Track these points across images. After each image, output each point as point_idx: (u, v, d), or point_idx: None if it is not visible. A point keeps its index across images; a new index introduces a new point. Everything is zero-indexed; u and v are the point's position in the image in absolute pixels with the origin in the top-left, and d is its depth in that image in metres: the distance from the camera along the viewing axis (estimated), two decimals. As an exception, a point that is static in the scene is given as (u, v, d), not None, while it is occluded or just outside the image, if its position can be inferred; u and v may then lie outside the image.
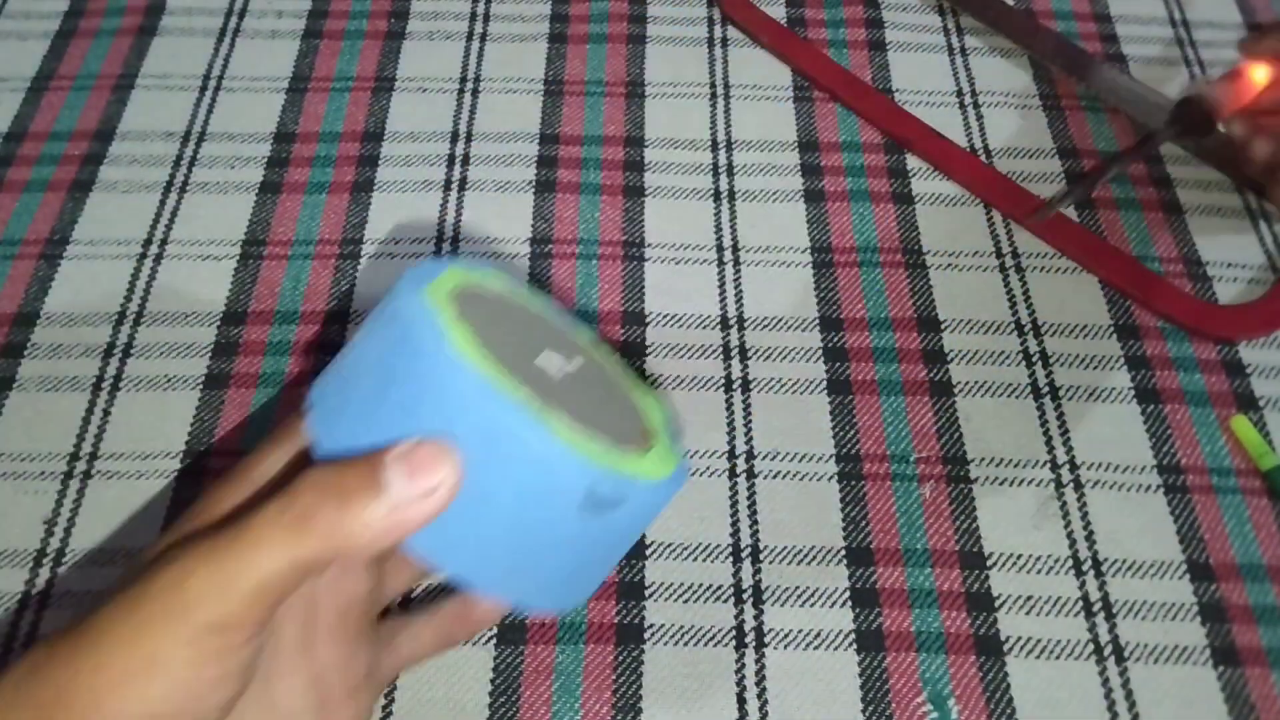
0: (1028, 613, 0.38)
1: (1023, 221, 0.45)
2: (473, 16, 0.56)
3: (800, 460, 0.41)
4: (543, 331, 0.28)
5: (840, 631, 0.37)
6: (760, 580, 0.38)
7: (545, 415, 0.23)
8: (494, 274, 0.29)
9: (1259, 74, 0.42)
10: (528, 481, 0.22)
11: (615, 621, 0.37)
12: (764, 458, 0.41)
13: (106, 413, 0.42)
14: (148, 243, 0.47)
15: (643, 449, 0.26)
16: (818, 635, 0.37)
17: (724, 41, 0.55)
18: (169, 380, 0.43)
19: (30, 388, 0.42)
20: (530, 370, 0.25)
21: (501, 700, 0.36)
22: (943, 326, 0.45)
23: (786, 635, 0.37)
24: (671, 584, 0.38)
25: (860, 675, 0.36)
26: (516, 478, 0.22)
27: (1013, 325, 0.45)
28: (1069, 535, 0.39)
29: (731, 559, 0.39)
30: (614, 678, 0.36)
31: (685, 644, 0.37)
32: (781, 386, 0.43)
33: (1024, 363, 0.44)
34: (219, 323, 0.44)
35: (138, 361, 0.43)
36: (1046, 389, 0.43)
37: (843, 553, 0.39)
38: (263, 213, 0.48)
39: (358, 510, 0.21)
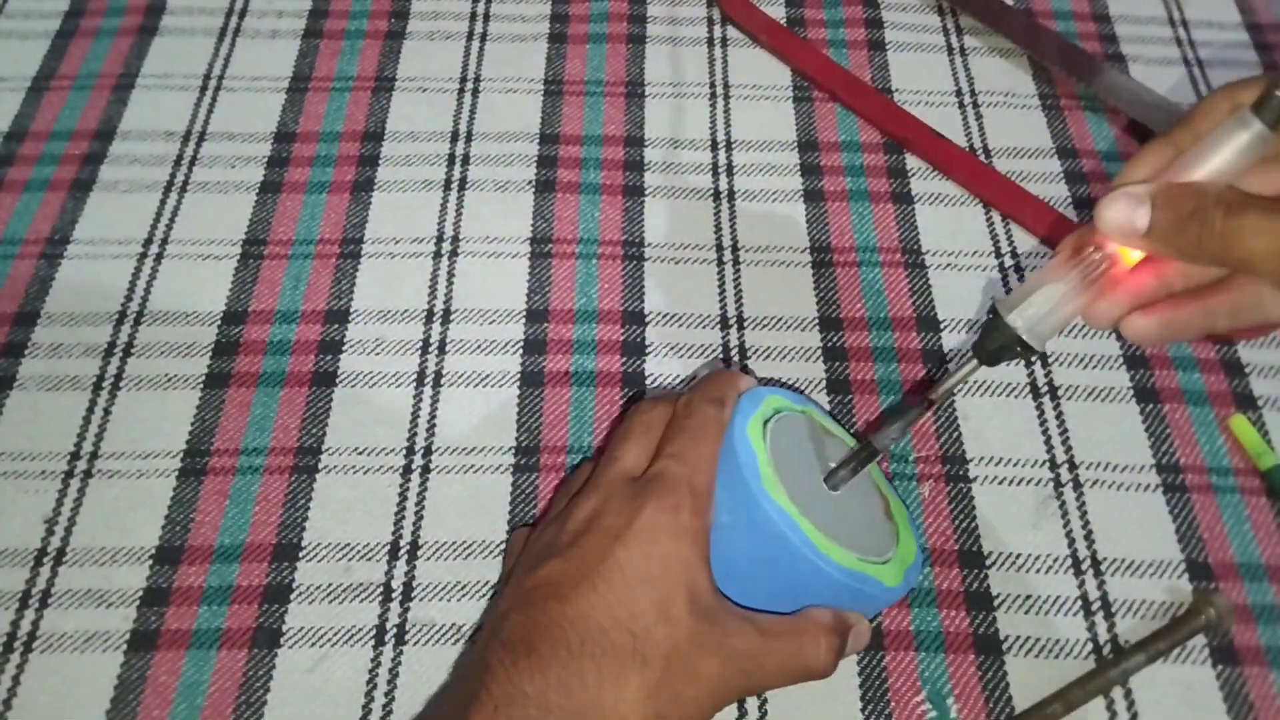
0: (1027, 612, 0.38)
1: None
2: (473, 16, 0.56)
3: (800, 460, 0.41)
4: (830, 445, 0.36)
5: (839, 630, 0.37)
6: (760, 579, 0.38)
7: (824, 544, 0.32)
8: (794, 398, 0.38)
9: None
10: (807, 575, 0.32)
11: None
12: (763, 457, 0.41)
13: (107, 412, 0.42)
14: (148, 242, 0.47)
15: (885, 556, 0.34)
16: (817, 634, 0.37)
17: (724, 41, 0.55)
18: (169, 380, 0.43)
19: (31, 387, 0.42)
20: (817, 485, 0.34)
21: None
22: (942, 326, 0.45)
23: (786, 634, 0.37)
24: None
25: (860, 674, 0.36)
26: (801, 572, 0.32)
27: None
28: (1068, 534, 0.39)
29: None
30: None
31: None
32: (783, 387, 0.43)
33: (1023, 362, 0.44)
34: (219, 322, 0.44)
35: (138, 361, 0.43)
36: (1045, 388, 0.43)
37: (842, 552, 0.39)
38: (263, 212, 0.48)
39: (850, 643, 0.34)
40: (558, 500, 0.37)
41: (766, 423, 0.35)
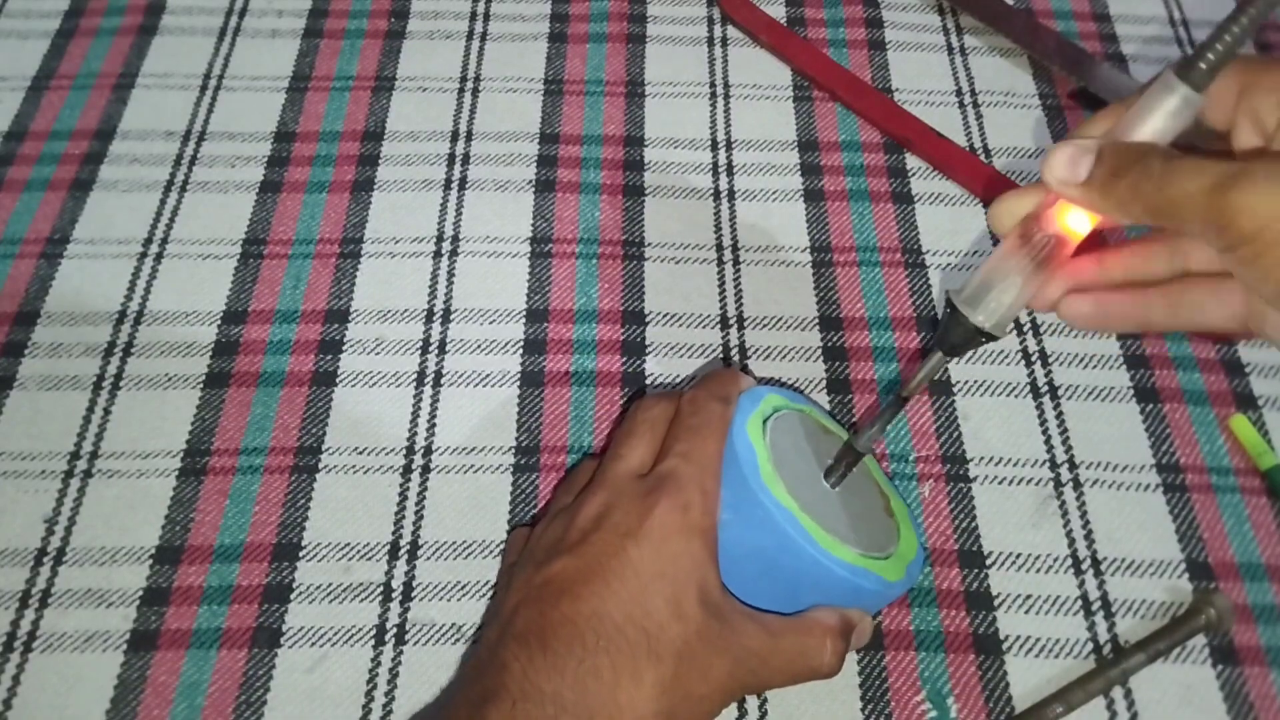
0: (1027, 611, 0.38)
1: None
2: (473, 16, 0.56)
3: (800, 459, 0.41)
4: (829, 443, 0.36)
5: (839, 630, 0.37)
6: (760, 579, 0.38)
7: (825, 540, 0.32)
8: (792, 396, 0.38)
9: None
10: (808, 571, 0.33)
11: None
12: (763, 457, 0.41)
13: (107, 412, 0.42)
14: (148, 242, 0.47)
15: (886, 552, 0.34)
16: (817, 634, 0.37)
17: (724, 41, 0.55)
18: (169, 379, 0.43)
19: (31, 387, 0.42)
20: (817, 482, 0.34)
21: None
22: (942, 326, 0.45)
23: (786, 634, 0.37)
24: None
25: (860, 674, 0.36)
26: (802, 568, 0.33)
27: (1012, 324, 0.45)
28: (1068, 534, 0.39)
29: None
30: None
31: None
32: (781, 386, 0.43)
33: (1023, 362, 0.44)
34: (219, 322, 0.44)
35: (138, 360, 0.43)
36: (1045, 388, 0.43)
37: (842, 552, 0.39)
38: (263, 212, 0.48)
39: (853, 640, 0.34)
40: (559, 497, 0.37)
41: (766, 421, 0.35)
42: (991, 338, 0.30)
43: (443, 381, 0.43)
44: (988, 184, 0.49)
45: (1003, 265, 0.29)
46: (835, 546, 0.32)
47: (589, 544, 0.31)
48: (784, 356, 0.44)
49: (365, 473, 0.40)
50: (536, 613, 0.30)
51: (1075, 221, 0.28)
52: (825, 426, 0.37)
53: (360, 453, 0.41)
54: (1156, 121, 0.27)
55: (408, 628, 0.37)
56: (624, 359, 0.44)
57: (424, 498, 0.40)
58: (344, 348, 0.44)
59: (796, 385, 0.43)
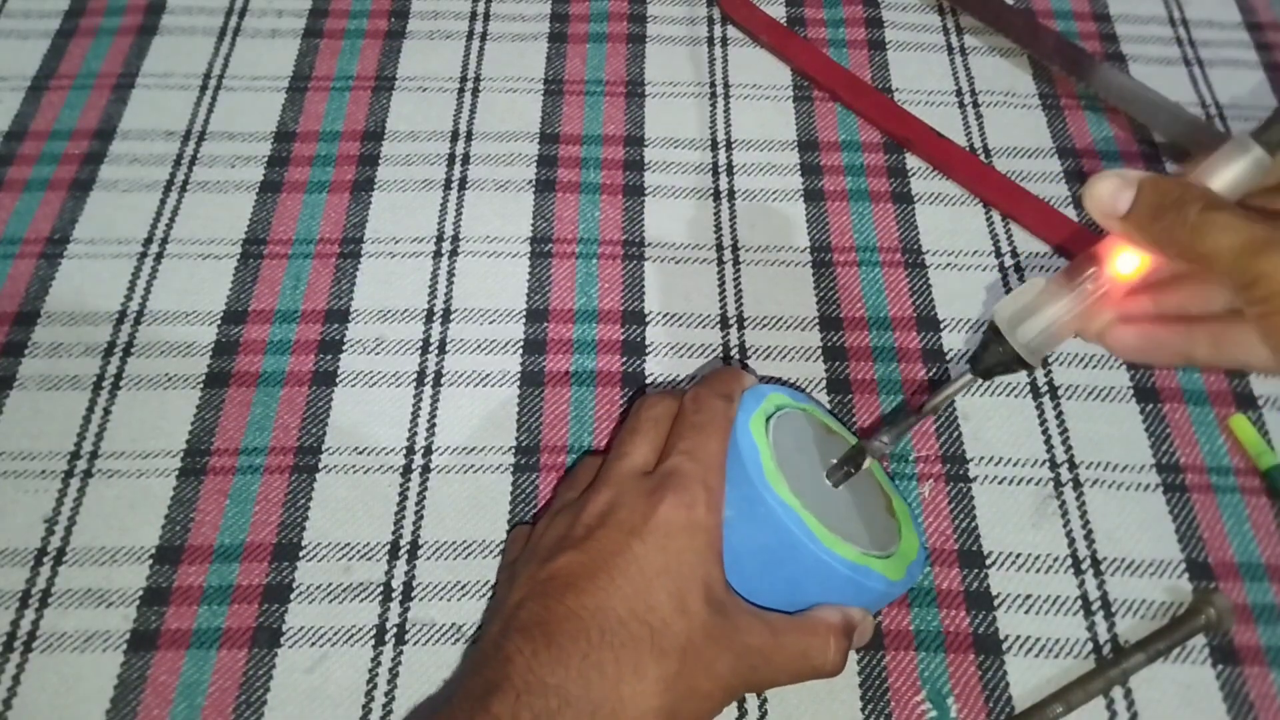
0: (1027, 611, 0.38)
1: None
2: (473, 16, 0.56)
3: (800, 459, 0.41)
4: (831, 442, 0.36)
5: (839, 630, 0.37)
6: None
7: (827, 538, 0.32)
8: (795, 395, 0.38)
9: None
10: (810, 568, 0.33)
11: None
12: (763, 457, 0.41)
13: (107, 411, 0.42)
14: (148, 242, 0.47)
15: (888, 551, 0.34)
16: (817, 634, 0.37)
17: (723, 41, 0.55)
18: (169, 379, 0.43)
19: (31, 386, 0.42)
20: (819, 481, 0.34)
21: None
22: (942, 326, 0.45)
23: (786, 634, 0.37)
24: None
25: (860, 674, 0.36)
26: (804, 566, 0.33)
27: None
28: (1068, 534, 0.39)
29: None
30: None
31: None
32: (784, 385, 0.43)
33: (1023, 362, 0.44)
34: (219, 322, 0.44)
35: (138, 360, 0.43)
36: (1045, 388, 0.43)
37: (842, 552, 0.39)
38: (263, 212, 0.48)
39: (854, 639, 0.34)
40: (561, 494, 0.38)
41: (769, 419, 0.35)
42: (1027, 367, 0.30)
43: (443, 381, 0.43)
44: (988, 185, 0.49)
45: (1051, 299, 0.30)
46: (838, 545, 0.32)
47: (594, 540, 0.31)
48: (784, 356, 0.44)
49: (365, 473, 0.40)
50: (541, 606, 0.31)
51: (1126, 265, 0.29)
52: (828, 425, 0.37)
53: (360, 453, 0.41)
54: (1223, 180, 0.27)
55: (408, 628, 0.37)
56: (624, 359, 0.44)
57: (424, 498, 0.40)
58: (344, 348, 0.44)
59: (797, 385, 0.43)
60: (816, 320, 0.45)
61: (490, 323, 0.45)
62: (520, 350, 0.44)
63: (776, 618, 0.32)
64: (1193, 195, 0.26)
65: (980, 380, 0.31)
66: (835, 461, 0.35)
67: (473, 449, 0.41)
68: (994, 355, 0.30)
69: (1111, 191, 0.27)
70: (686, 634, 0.30)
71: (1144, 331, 0.30)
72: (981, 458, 0.41)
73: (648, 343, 0.44)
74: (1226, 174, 0.27)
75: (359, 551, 0.39)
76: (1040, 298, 0.30)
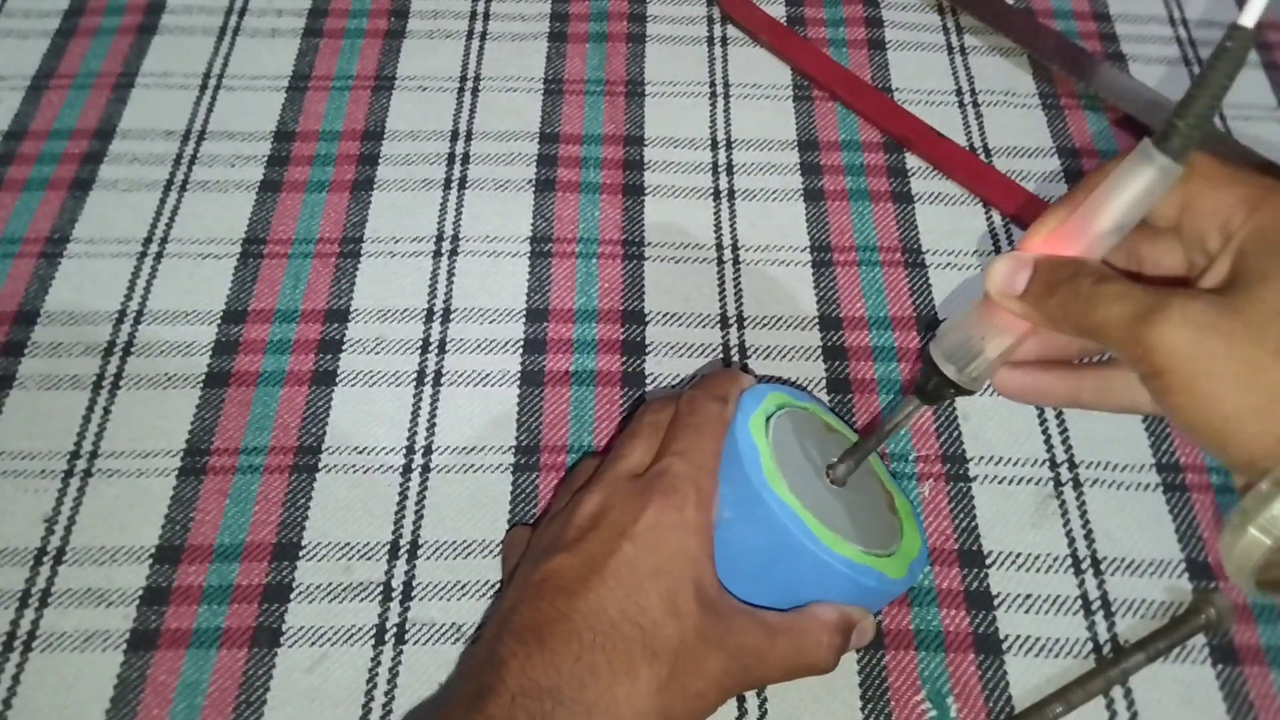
0: (1026, 611, 0.38)
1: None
2: (473, 15, 0.56)
3: (800, 459, 0.41)
4: (832, 440, 0.36)
5: (839, 630, 0.37)
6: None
7: (827, 537, 0.32)
8: (796, 394, 0.38)
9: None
10: (809, 568, 0.33)
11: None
12: (763, 457, 0.41)
13: (107, 411, 0.42)
14: (148, 241, 0.47)
15: (889, 550, 0.34)
16: (817, 634, 0.37)
17: (724, 40, 0.55)
18: (169, 379, 0.43)
19: (31, 386, 0.42)
20: (819, 479, 0.34)
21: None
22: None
23: (786, 634, 0.37)
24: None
25: (859, 673, 0.36)
26: (804, 566, 0.33)
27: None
28: (1068, 534, 0.39)
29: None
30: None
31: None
32: (784, 384, 0.43)
33: (1023, 362, 0.44)
34: (219, 321, 0.44)
35: (138, 360, 0.43)
36: (1046, 388, 0.43)
37: (842, 551, 0.39)
38: (263, 211, 0.48)
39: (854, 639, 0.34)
40: (560, 496, 0.38)
41: (769, 419, 0.35)
42: (964, 392, 0.30)
43: (443, 381, 0.43)
44: (988, 184, 0.49)
45: (974, 322, 0.29)
46: (837, 544, 0.32)
47: (586, 542, 0.32)
48: (784, 356, 0.44)
49: (365, 473, 0.40)
50: (533, 609, 0.31)
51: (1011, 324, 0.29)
52: (829, 424, 0.37)
53: (360, 452, 0.41)
54: (1130, 196, 0.26)
55: (408, 627, 0.37)
56: (624, 359, 0.44)
57: (424, 497, 0.40)
58: (344, 347, 0.44)
59: (797, 385, 0.43)
60: (816, 320, 0.45)
61: (490, 322, 0.45)
62: (520, 350, 0.44)
63: (771, 615, 0.32)
64: (1086, 270, 0.26)
65: (927, 405, 0.31)
66: (835, 460, 0.35)
67: (473, 449, 0.41)
68: (929, 380, 0.30)
69: (1008, 272, 0.28)
70: (679, 634, 0.30)
71: (1029, 375, 0.31)
72: (981, 457, 0.41)
73: (648, 342, 0.44)
74: (1132, 190, 0.26)
75: (359, 551, 0.39)
76: (966, 320, 0.30)
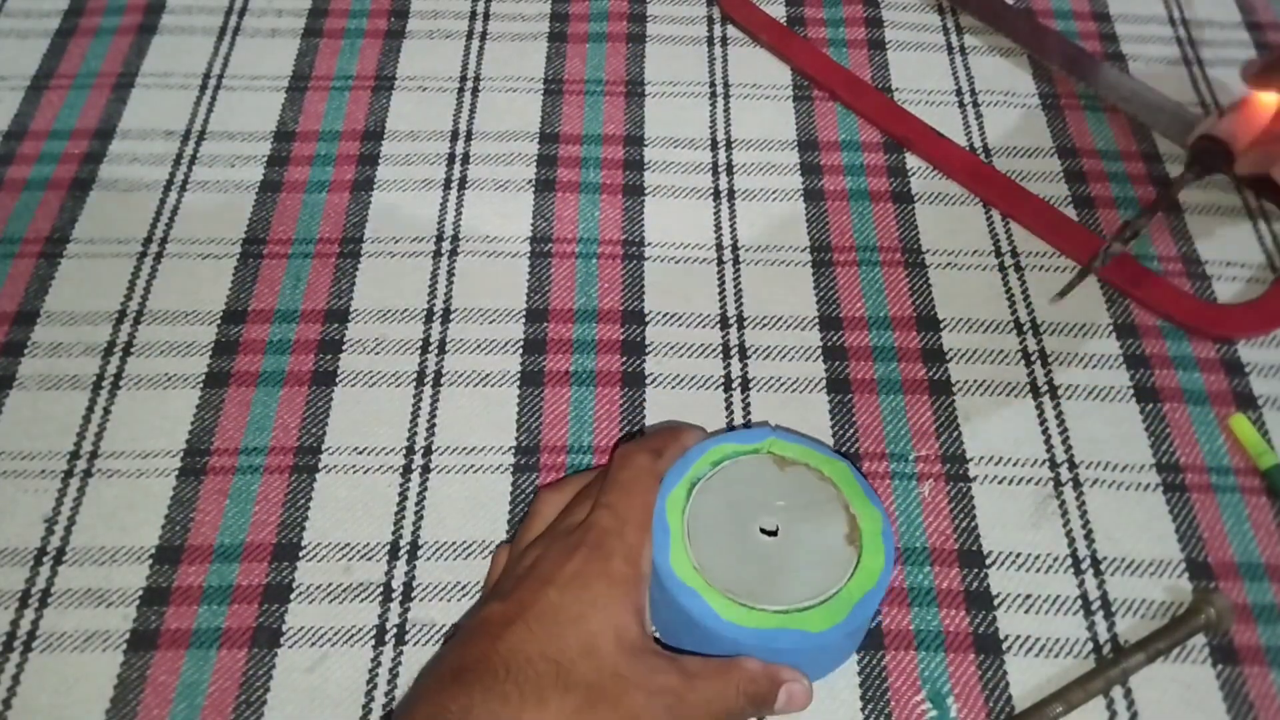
0: (1026, 611, 0.38)
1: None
2: (473, 16, 0.56)
3: (800, 459, 0.41)
4: (788, 479, 0.36)
5: (839, 630, 0.37)
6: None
7: (732, 610, 0.33)
8: (755, 435, 0.37)
9: (1268, 102, 0.43)
10: (714, 642, 0.33)
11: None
12: (763, 457, 0.41)
13: (107, 411, 0.42)
14: (148, 241, 0.47)
15: (823, 596, 0.33)
16: (817, 634, 0.37)
17: (724, 41, 0.55)
18: (169, 379, 0.43)
19: (31, 386, 0.42)
20: (741, 543, 0.34)
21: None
22: (942, 325, 0.45)
23: (786, 634, 0.37)
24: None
25: (859, 673, 0.36)
26: (710, 639, 0.33)
27: (1011, 324, 0.45)
28: (1068, 534, 0.39)
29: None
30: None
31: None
32: (781, 385, 0.43)
33: (1023, 362, 0.44)
34: (219, 321, 0.44)
35: (138, 360, 0.43)
36: (1045, 388, 0.43)
37: (842, 552, 0.39)
38: (263, 211, 0.48)
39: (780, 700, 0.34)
40: (519, 538, 0.38)
41: (695, 484, 0.35)
42: (1231, 161, 0.41)
43: (443, 381, 0.43)
44: (988, 184, 0.49)
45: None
46: (745, 615, 0.33)
47: (518, 589, 0.33)
48: (784, 356, 0.44)
49: (365, 473, 0.40)
50: (459, 654, 0.32)
51: None
52: (788, 460, 0.36)
53: (360, 453, 0.41)
54: None
55: (408, 628, 0.37)
56: (624, 359, 0.44)
57: (424, 498, 0.40)
58: (344, 347, 0.44)
59: (796, 386, 0.43)
60: (816, 320, 0.45)
61: (490, 322, 0.45)
62: (520, 350, 0.44)
63: (692, 661, 0.33)
64: None
65: (1195, 179, 0.42)
66: (780, 503, 0.35)
67: (473, 449, 0.41)
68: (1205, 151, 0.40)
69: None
70: (595, 671, 0.31)
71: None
72: (981, 457, 0.41)
73: (648, 342, 0.44)
74: None
75: (359, 551, 0.39)
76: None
